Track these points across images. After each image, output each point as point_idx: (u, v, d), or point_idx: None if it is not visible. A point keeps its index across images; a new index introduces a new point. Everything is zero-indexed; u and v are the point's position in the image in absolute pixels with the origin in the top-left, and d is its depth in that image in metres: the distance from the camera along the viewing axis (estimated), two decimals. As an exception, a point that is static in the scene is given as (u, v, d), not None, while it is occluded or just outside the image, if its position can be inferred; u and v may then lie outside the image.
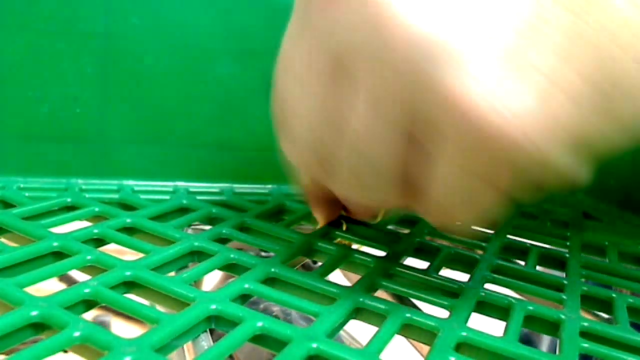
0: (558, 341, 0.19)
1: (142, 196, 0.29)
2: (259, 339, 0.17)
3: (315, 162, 0.19)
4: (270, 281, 0.21)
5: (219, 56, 0.31)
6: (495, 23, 0.15)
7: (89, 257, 0.20)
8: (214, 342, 0.17)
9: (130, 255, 0.21)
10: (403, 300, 0.23)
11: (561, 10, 0.15)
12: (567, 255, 0.27)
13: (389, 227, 0.28)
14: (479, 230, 0.28)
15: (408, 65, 0.15)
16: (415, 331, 0.19)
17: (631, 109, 0.16)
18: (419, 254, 0.25)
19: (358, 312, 0.19)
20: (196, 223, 0.27)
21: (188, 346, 0.21)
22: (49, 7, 0.27)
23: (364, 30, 0.16)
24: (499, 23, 0.15)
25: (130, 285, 0.19)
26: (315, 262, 0.60)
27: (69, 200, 0.26)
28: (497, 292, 0.22)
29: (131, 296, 0.19)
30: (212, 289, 0.20)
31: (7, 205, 0.25)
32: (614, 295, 0.23)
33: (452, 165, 0.17)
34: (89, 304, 0.18)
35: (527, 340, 0.60)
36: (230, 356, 0.16)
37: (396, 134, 0.17)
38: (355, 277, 0.22)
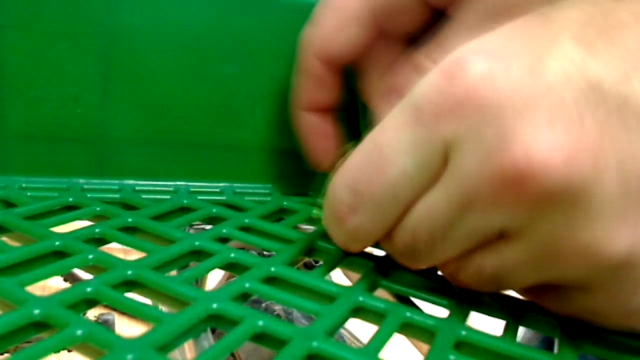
0: (556, 340, 0.19)
1: (143, 196, 0.29)
2: (260, 337, 0.17)
3: (380, 225, 0.20)
4: (271, 280, 0.21)
5: (220, 57, 0.31)
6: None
7: (90, 257, 0.20)
8: (215, 340, 0.17)
9: (134, 254, 0.21)
10: (403, 300, 0.23)
11: None
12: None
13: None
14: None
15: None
16: (415, 330, 0.19)
17: None
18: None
19: (358, 312, 0.19)
20: (197, 222, 0.27)
21: (189, 345, 0.21)
22: (50, 8, 0.28)
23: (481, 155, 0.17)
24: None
25: (131, 284, 0.19)
26: (316, 262, 0.60)
27: (70, 199, 0.26)
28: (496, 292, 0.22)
29: (132, 295, 0.19)
30: (215, 289, 0.20)
31: (9, 204, 0.25)
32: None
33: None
34: (90, 303, 0.18)
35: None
36: (232, 355, 0.16)
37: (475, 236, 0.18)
38: (356, 277, 0.22)
